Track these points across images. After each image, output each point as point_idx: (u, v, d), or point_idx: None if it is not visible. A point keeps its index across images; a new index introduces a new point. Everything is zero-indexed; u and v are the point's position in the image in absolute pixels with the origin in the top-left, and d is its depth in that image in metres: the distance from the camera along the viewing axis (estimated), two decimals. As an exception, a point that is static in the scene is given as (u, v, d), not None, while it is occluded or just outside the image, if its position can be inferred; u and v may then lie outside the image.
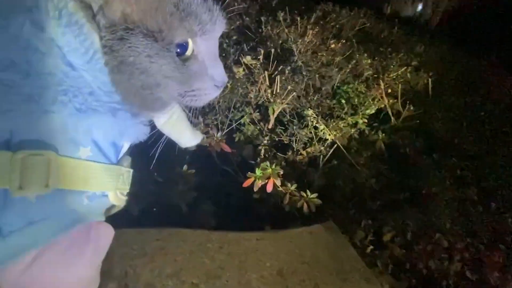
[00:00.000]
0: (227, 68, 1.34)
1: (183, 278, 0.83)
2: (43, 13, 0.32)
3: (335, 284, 0.96)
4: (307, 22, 1.72)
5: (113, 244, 0.47)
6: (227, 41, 1.46)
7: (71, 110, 0.35)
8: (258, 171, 1.02)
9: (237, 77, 1.30)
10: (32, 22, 0.31)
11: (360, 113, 1.47)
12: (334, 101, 1.53)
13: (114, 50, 0.34)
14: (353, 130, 1.44)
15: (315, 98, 1.46)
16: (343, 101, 1.52)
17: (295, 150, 1.37)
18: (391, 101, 1.53)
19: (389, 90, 1.54)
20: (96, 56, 0.35)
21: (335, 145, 1.41)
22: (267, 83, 1.32)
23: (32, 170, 0.33)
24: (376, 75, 1.62)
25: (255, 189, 1.02)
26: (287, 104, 1.34)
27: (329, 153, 1.41)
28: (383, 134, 1.47)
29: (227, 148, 1.13)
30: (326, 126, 1.37)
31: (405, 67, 1.68)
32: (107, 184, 0.42)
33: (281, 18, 1.62)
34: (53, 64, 0.33)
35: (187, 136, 0.54)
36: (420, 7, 3.51)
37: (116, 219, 0.49)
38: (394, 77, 1.62)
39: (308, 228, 1.16)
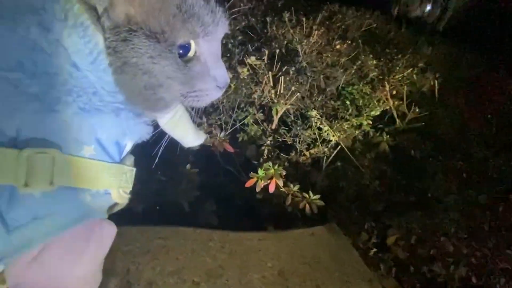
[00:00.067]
0: (232, 68, 1.34)
1: (185, 277, 0.84)
2: (50, 15, 0.33)
3: (336, 286, 0.96)
4: (313, 23, 1.71)
5: (116, 241, 0.48)
6: (232, 41, 1.46)
7: (75, 110, 0.35)
8: (260, 172, 1.03)
9: (241, 77, 1.31)
10: (39, 23, 0.32)
11: (365, 114, 1.46)
12: (339, 102, 1.52)
13: (118, 51, 0.35)
14: (357, 132, 1.44)
15: (319, 99, 1.45)
16: (348, 102, 1.51)
17: (298, 151, 1.37)
18: (396, 102, 1.52)
19: (394, 92, 1.53)
20: (100, 57, 0.36)
21: (339, 147, 1.40)
22: (271, 83, 1.32)
23: (37, 168, 0.34)
24: (381, 77, 1.61)
25: (257, 190, 1.02)
26: (291, 104, 1.34)
27: (333, 154, 1.40)
28: (388, 136, 1.46)
29: (230, 148, 1.14)
30: (330, 127, 1.36)
31: (411, 69, 1.66)
32: (109, 183, 0.43)
33: (286, 19, 1.62)
34: (59, 64, 0.34)
35: (190, 136, 0.54)
36: (428, 7, 3.45)
37: (120, 216, 0.50)
38: (400, 78, 1.60)
39: (310, 229, 1.16)
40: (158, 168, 1.07)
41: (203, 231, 0.99)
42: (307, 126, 1.41)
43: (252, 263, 0.95)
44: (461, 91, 2.00)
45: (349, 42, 1.71)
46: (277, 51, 1.41)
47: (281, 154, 1.34)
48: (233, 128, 1.30)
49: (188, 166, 1.16)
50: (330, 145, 1.39)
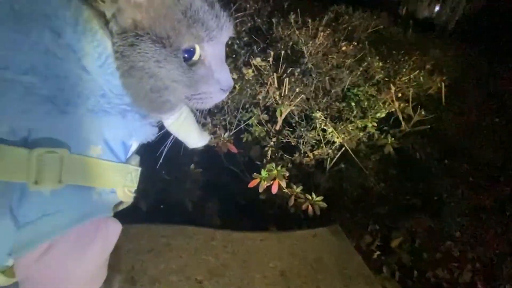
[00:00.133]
0: (237, 69, 1.35)
1: (188, 274, 0.85)
2: (61, 21, 0.34)
3: (337, 288, 0.96)
4: (319, 24, 1.71)
5: (121, 238, 0.49)
6: (237, 42, 1.47)
7: (84, 111, 0.37)
8: (263, 172, 1.03)
9: (246, 78, 1.32)
10: (51, 29, 0.34)
11: (370, 116, 1.45)
12: (344, 104, 1.52)
13: (125, 56, 0.36)
14: (362, 134, 1.43)
15: (324, 101, 1.45)
16: (353, 104, 1.50)
17: (302, 152, 1.37)
18: (402, 105, 1.50)
19: (400, 94, 1.52)
20: (108, 61, 0.37)
21: (343, 148, 1.39)
22: (276, 85, 1.32)
23: (47, 167, 0.36)
24: (387, 79, 1.60)
25: (260, 190, 1.03)
26: (296, 106, 1.34)
27: (337, 156, 1.40)
28: (392, 139, 1.45)
29: (233, 149, 1.15)
30: (334, 128, 1.36)
31: (418, 71, 1.65)
32: (115, 182, 0.44)
33: (292, 20, 1.62)
34: (69, 68, 0.35)
35: (194, 137, 0.55)
36: (437, 7, 3.39)
37: (125, 215, 0.51)
38: (406, 80, 1.59)
39: (313, 231, 1.16)
40: (162, 168, 1.09)
41: (206, 230, 1.01)
42: (311, 127, 1.41)
43: (254, 262, 0.95)
44: (469, 94, 1.97)
45: (355, 43, 1.70)
46: (282, 52, 1.42)
47: (285, 155, 1.34)
48: (237, 129, 1.30)
49: (192, 166, 1.17)
50: (334, 146, 1.39)
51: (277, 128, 1.37)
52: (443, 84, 1.69)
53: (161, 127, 0.49)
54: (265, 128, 1.36)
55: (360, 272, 1.04)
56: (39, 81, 0.33)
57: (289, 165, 1.32)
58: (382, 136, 1.47)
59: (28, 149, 0.34)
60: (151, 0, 0.36)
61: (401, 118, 1.51)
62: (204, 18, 0.38)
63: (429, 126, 1.48)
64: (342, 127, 1.39)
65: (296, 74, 1.41)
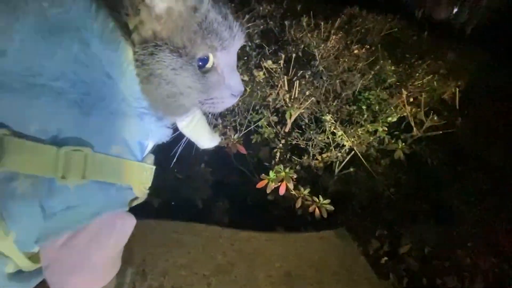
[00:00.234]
0: (248, 71, 1.38)
1: (195, 270, 0.88)
2: (89, 32, 0.38)
3: (342, 291, 0.96)
4: (331, 27, 1.71)
5: (134, 232, 0.53)
6: (249, 44, 1.50)
7: (107, 114, 0.40)
8: (271, 174, 1.05)
9: (257, 80, 1.34)
10: (80, 39, 0.37)
11: (381, 120, 1.44)
12: (354, 107, 1.51)
13: (145, 64, 0.40)
14: (372, 138, 1.42)
15: (334, 104, 1.45)
16: (364, 107, 1.50)
17: (311, 154, 1.38)
18: (414, 110, 1.48)
19: (411, 99, 1.49)
20: (129, 68, 0.40)
21: (353, 152, 1.39)
22: (286, 87, 1.34)
23: (72, 163, 0.39)
24: (399, 83, 1.58)
25: (268, 191, 1.05)
26: (305, 108, 1.35)
27: (346, 159, 1.40)
28: (403, 144, 1.43)
29: (242, 150, 1.17)
30: (344, 132, 1.36)
31: (432, 75, 1.62)
32: (132, 179, 0.47)
33: (304, 23, 1.63)
34: (94, 75, 0.39)
35: (205, 138, 0.59)
36: (455, 10, 3.29)
37: (138, 210, 0.54)
38: (419, 85, 1.57)
39: (319, 233, 1.17)
40: (175, 167, 1.13)
41: (214, 228, 1.03)
42: (321, 130, 1.41)
43: (260, 262, 0.97)
44: (484, 100, 1.91)
45: (368, 46, 1.69)
46: (294, 55, 1.43)
47: (294, 157, 1.36)
48: (247, 130, 1.33)
49: (202, 165, 1.20)
50: (343, 150, 1.39)
51: (287, 130, 1.39)
52: (457, 89, 1.65)
53: (175, 129, 0.52)
54: (275, 130, 1.37)
55: (366, 277, 1.04)
56: (68, 86, 0.37)
57: (298, 167, 1.33)
58: (393, 141, 1.46)
59: (56, 147, 0.38)
60: (170, 13, 0.39)
61: (412, 123, 1.49)
62: (218, 29, 0.41)
63: (441, 131, 1.45)
64: (352, 130, 1.38)
65: (307, 76, 1.42)
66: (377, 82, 1.61)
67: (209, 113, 0.55)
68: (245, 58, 1.45)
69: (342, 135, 1.36)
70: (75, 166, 0.39)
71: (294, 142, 1.37)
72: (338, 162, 1.40)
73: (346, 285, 0.99)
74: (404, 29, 2.32)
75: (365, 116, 1.45)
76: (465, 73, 1.86)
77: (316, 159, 1.39)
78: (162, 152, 0.56)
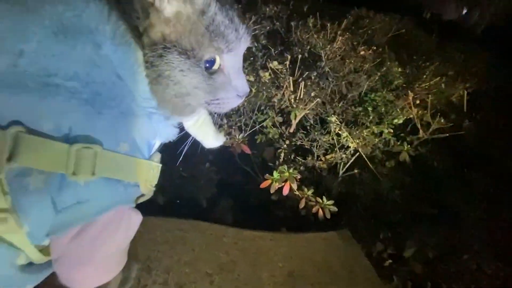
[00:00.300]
0: (254, 72, 1.38)
1: (199, 267, 0.90)
2: (102, 34, 0.39)
3: (344, 292, 0.96)
4: (338, 28, 1.71)
5: (139, 229, 0.54)
6: (256, 44, 1.50)
7: (117, 113, 0.42)
8: (275, 174, 1.06)
9: (263, 81, 1.34)
10: (93, 41, 0.39)
11: (386, 122, 1.43)
12: (360, 109, 1.51)
13: (154, 65, 0.41)
14: (377, 140, 1.41)
15: (339, 105, 1.45)
16: (370, 109, 1.49)
17: (315, 155, 1.38)
18: (420, 112, 1.47)
19: (417, 101, 1.48)
20: (139, 70, 0.42)
21: (357, 154, 1.39)
22: (291, 88, 1.34)
23: (83, 160, 0.41)
24: (406, 84, 1.57)
25: (272, 191, 1.05)
26: (311, 109, 1.35)
27: (351, 161, 1.39)
28: (409, 146, 1.42)
29: (247, 150, 1.18)
30: (349, 133, 1.36)
31: (440, 77, 1.60)
32: (139, 176, 0.49)
33: (310, 24, 1.63)
34: (106, 75, 0.40)
35: (210, 138, 0.60)
36: (465, 11, 3.24)
37: (144, 207, 0.56)
38: (426, 87, 1.55)
39: (322, 234, 1.17)
40: (180, 166, 1.15)
41: (218, 226, 1.04)
42: (326, 131, 1.41)
43: (263, 261, 0.98)
44: (492, 102, 1.88)
45: (375, 48, 1.68)
46: (300, 56, 1.43)
47: (298, 157, 1.36)
48: (252, 130, 1.34)
49: (207, 165, 1.22)
50: (348, 151, 1.38)
51: (291, 130, 1.39)
52: (465, 91, 1.63)
53: (181, 128, 0.53)
54: (279, 131, 1.38)
55: (368, 278, 1.04)
56: (81, 86, 0.38)
57: (302, 168, 1.33)
58: (399, 143, 1.45)
59: (68, 144, 0.40)
60: (178, 17, 0.40)
61: (419, 125, 1.47)
62: (225, 31, 0.42)
63: (447, 134, 1.44)
64: (357, 132, 1.38)
65: (313, 77, 1.42)
66: (383, 84, 1.60)
67: (215, 113, 0.56)
68: (251, 58, 1.46)
69: (347, 136, 1.36)
70: (86, 163, 0.41)
71: (298, 143, 1.38)
72: (342, 163, 1.40)
73: (349, 286, 0.99)
74: (412, 30, 2.29)
75: (371, 117, 1.45)
76: (473, 75, 1.83)
77: (321, 160, 1.39)
78: (168, 151, 0.58)
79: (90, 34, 0.38)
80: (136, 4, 0.39)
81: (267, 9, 1.80)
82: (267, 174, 1.08)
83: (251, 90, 1.27)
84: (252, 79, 1.32)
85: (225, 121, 1.23)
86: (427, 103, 1.45)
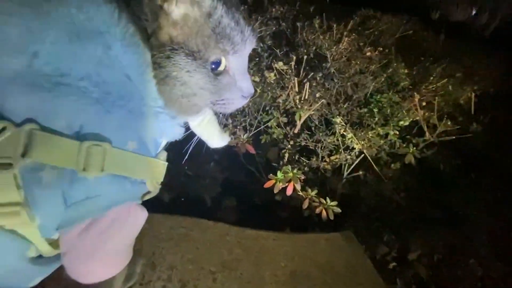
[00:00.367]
0: (260, 72, 1.39)
1: (202, 265, 0.91)
2: (112, 36, 0.41)
3: (346, 293, 0.96)
4: (344, 29, 1.70)
5: (145, 225, 0.55)
6: (261, 45, 1.51)
7: (125, 112, 0.43)
8: (279, 174, 1.06)
9: (268, 81, 1.35)
10: (103, 43, 0.40)
11: (392, 124, 1.42)
12: (365, 110, 1.50)
13: (162, 66, 0.42)
14: (382, 141, 1.41)
15: (345, 106, 1.45)
16: (375, 110, 1.48)
17: (320, 156, 1.38)
18: (427, 114, 1.46)
19: (424, 103, 1.47)
20: (147, 70, 0.43)
21: (362, 155, 1.38)
22: (296, 89, 1.35)
23: (92, 157, 0.42)
24: (412, 86, 1.55)
25: (275, 191, 1.06)
26: (316, 110, 1.35)
27: (355, 162, 1.39)
28: (414, 148, 1.41)
29: (251, 149, 1.19)
30: (354, 135, 1.35)
31: (447, 79, 1.58)
32: (146, 174, 0.50)
33: (316, 25, 1.63)
34: (115, 76, 0.42)
35: (215, 138, 0.61)
36: (474, 11, 3.18)
37: (149, 204, 0.57)
38: (433, 88, 1.54)
39: (325, 235, 1.17)
40: (186, 164, 1.16)
41: (222, 225, 1.05)
42: (331, 132, 1.41)
43: (266, 260, 0.99)
44: (501, 105, 1.85)
45: (381, 49, 1.67)
46: (305, 56, 1.44)
47: (302, 158, 1.36)
48: (257, 130, 1.34)
49: (212, 164, 1.23)
50: (353, 153, 1.38)
51: (296, 131, 1.39)
52: (473, 94, 1.61)
53: (187, 128, 0.54)
54: (284, 131, 1.38)
55: (371, 280, 1.04)
56: (92, 86, 0.40)
57: (306, 168, 1.33)
58: (404, 145, 1.44)
59: (79, 141, 0.41)
60: (186, 19, 0.42)
61: (425, 127, 1.46)
62: (231, 34, 0.43)
63: (454, 137, 1.42)
64: (362, 133, 1.37)
65: (318, 78, 1.42)
66: (389, 85, 1.59)
67: (220, 113, 0.57)
68: (257, 59, 1.47)
69: (352, 137, 1.35)
70: (95, 160, 0.42)
71: (303, 144, 1.38)
72: (347, 164, 1.40)
73: (351, 286, 0.99)
74: (420, 31, 2.27)
75: (376, 119, 1.44)
76: (482, 77, 1.80)
77: (325, 161, 1.38)
78: (174, 150, 0.59)
79: (101, 36, 0.40)
80: (145, 7, 0.41)
81: (273, 10, 1.80)
82: (271, 174, 1.08)
83: (256, 91, 1.28)
84: (257, 79, 1.33)
85: (230, 121, 1.24)
86: (434, 105, 1.44)
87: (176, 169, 1.16)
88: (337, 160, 1.38)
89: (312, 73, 1.40)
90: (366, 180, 1.44)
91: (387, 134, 1.42)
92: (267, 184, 1.06)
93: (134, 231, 0.54)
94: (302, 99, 1.33)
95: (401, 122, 1.46)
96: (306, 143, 1.38)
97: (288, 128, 1.40)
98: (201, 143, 0.60)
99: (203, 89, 0.45)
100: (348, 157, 1.37)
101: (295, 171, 1.08)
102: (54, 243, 0.48)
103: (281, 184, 1.05)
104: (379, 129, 1.40)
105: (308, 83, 1.33)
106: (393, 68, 1.59)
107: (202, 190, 1.21)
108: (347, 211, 1.31)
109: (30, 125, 0.38)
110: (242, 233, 1.05)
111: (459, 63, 1.95)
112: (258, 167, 1.34)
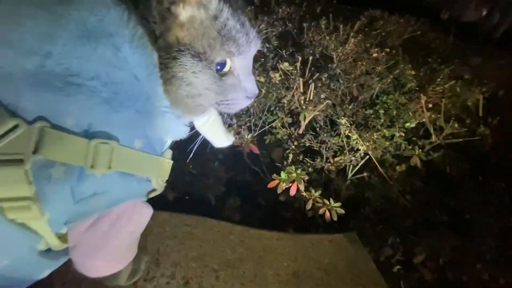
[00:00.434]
0: (265, 73, 1.40)
1: (206, 263, 0.92)
2: (121, 37, 0.42)
3: (349, 295, 0.96)
4: (350, 30, 1.69)
5: (150, 223, 0.57)
6: (267, 45, 1.51)
7: (132, 111, 0.45)
8: (283, 174, 1.07)
9: (273, 82, 1.35)
10: (113, 44, 0.42)
11: (398, 126, 1.41)
12: (371, 111, 1.49)
13: (168, 67, 0.44)
14: (388, 143, 1.40)
15: (350, 107, 1.44)
16: (381, 112, 1.47)
17: (324, 157, 1.38)
18: (433, 116, 1.44)
19: (430, 105, 1.45)
20: (154, 71, 0.44)
21: (367, 157, 1.37)
22: (301, 89, 1.35)
23: (100, 155, 0.43)
24: (417, 88, 1.54)
25: (279, 191, 1.06)
26: (320, 111, 1.35)
27: (360, 164, 1.38)
28: (420, 150, 1.39)
29: (255, 149, 1.19)
30: (359, 136, 1.34)
31: (455, 80, 1.56)
32: (151, 172, 0.51)
33: (323, 26, 1.63)
34: (123, 76, 0.43)
35: (220, 138, 0.62)
36: (485, 12, 3.12)
37: (155, 202, 0.58)
38: (440, 90, 1.52)
39: (329, 236, 1.17)
40: (190, 163, 1.18)
41: (226, 224, 1.06)
42: (336, 133, 1.41)
43: (269, 260, 0.99)
44: (509, 107, 1.81)
45: (388, 50, 1.66)
46: (311, 57, 1.43)
47: (306, 159, 1.36)
48: (261, 130, 1.35)
49: (216, 163, 1.24)
50: (358, 154, 1.37)
51: (300, 132, 1.39)
52: (481, 96, 1.58)
53: (192, 127, 0.56)
54: (288, 131, 1.39)
55: (374, 282, 1.04)
56: (101, 86, 0.41)
57: (310, 169, 1.33)
58: (410, 147, 1.42)
59: (88, 139, 0.43)
60: (192, 21, 0.43)
61: (431, 129, 1.44)
62: (236, 36, 0.44)
63: (461, 139, 1.40)
64: (367, 135, 1.37)
65: (323, 79, 1.42)
66: (396, 86, 1.57)
67: (225, 113, 0.58)
68: (262, 59, 1.48)
69: (357, 139, 1.34)
70: (103, 157, 0.44)
71: (307, 144, 1.38)
72: (352, 166, 1.39)
73: (354, 288, 0.99)
74: (428, 31, 2.24)
75: (382, 120, 1.43)
76: (491, 79, 1.77)
77: (329, 162, 1.38)
78: (179, 149, 0.60)
79: (110, 38, 0.41)
80: (153, 10, 0.42)
81: (280, 10, 1.81)
82: (274, 174, 1.09)
83: (261, 91, 1.29)
84: (262, 80, 1.33)
85: (234, 121, 1.25)
86: (441, 107, 1.42)
87: (181, 168, 1.17)
88: (341, 161, 1.37)
89: (318, 73, 1.40)
90: (371, 182, 1.43)
91: (392, 136, 1.41)
92: (271, 184, 1.07)
93: (139, 227, 0.56)
94: (307, 99, 1.33)
95: (407, 124, 1.44)
96: (311, 143, 1.38)
97: (292, 128, 1.40)
98: (205, 143, 0.61)
99: (208, 90, 0.46)
100: (353, 158, 1.36)
101: (298, 171, 1.08)
102: (62, 237, 0.50)
103: (284, 184, 1.05)
104: (384, 130, 1.38)
105: (313, 83, 1.33)
106: (400, 69, 1.57)
107: (206, 189, 1.22)
108: (352, 213, 1.30)
109: (41, 123, 0.40)
110: (245, 232, 1.06)
111: (468, 64, 1.91)
112: (262, 167, 1.35)
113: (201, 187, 1.22)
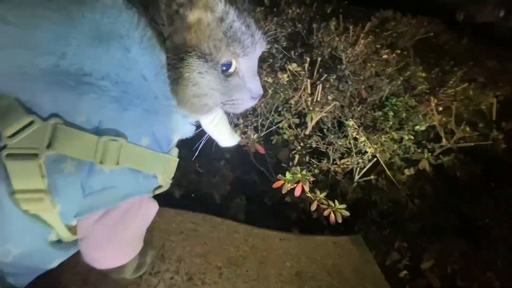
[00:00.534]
0: (273, 73, 1.40)
1: (210, 260, 0.93)
2: (131, 39, 0.44)
3: (352, 297, 0.96)
4: (361, 31, 1.68)
5: (156, 219, 0.59)
6: (276, 46, 1.52)
7: (140, 110, 0.46)
8: (288, 175, 1.07)
9: (281, 82, 1.36)
10: (123, 46, 0.43)
11: (407, 128, 1.39)
12: (380, 113, 1.47)
13: (175, 67, 0.45)
14: (396, 146, 1.37)
15: (358, 109, 1.43)
16: (390, 114, 1.45)
17: (331, 159, 1.37)
18: (444, 119, 1.41)
19: (441, 108, 1.42)
20: (162, 71, 0.46)
21: (375, 159, 1.36)
22: (309, 91, 1.35)
23: (109, 151, 0.45)
24: (429, 90, 1.51)
25: (284, 192, 1.07)
26: (329, 112, 1.35)
27: (367, 166, 1.37)
28: (430, 154, 1.37)
29: (261, 149, 1.20)
30: (367, 138, 1.33)
31: (468, 83, 1.52)
32: (158, 168, 0.53)
33: (332, 27, 1.62)
34: (132, 76, 0.45)
35: (226, 137, 0.63)
36: (502, 13, 3.02)
37: (161, 198, 0.60)
38: (452, 93, 1.48)
39: (334, 238, 1.16)
40: (196, 161, 1.20)
41: (231, 222, 1.08)
42: (343, 135, 1.40)
43: (272, 259, 1.00)
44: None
45: (399, 51, 1.63)
46: (319, 58, 1.43)
47: (313, 160, 1.36)
48: (268, 130, 1.36)
49: (222, 162, 1.25)
50: (365, 156, 1.36)
51: (307, 133, 1.39)
52: (495, 99, 1.54)
53: (198, 126, 0.57)
54: (295, 132, 1.39)
55: (379, 287, 1.03)
56: (111, 85, 0.43)
57: (316, 171, 1.33)
58: (419, 150, 1.40)
59: (97, 136, 0.44)
60: (199, 23, 0.44)
61: (442, 133, 1.41)
62: (241, 37, 0.45)
63: (473, 143, 1.37)
64: (375, 137, 1.35)
65: (331, 80, 1.41)
66: (406, 89, 1.55)
67: (231, 113, 0.59)
68: (271, 60, 1.48)
69: (365, 141, 1.33)
70: (112, 153, 0.45)
71: (314, 145, 1.37)
72: (359, 168, 1.38)
73: (357, 292, 0.98)
74: (442, 33, 2.18)
75: (391, 123, 1.41)
76: (506, 82, 1.71)
77: (336, 164, 1.37)
78: (185, 147, 0.62)
79: (121, 39, 0.43)
80: (162, 12, 0.43)
81: (290, 11, 1.81)
82: (279, 175, 1.09)
83: (268, 91, 1.29)
84: (270, 80, 1.33)
85: (241, 120, 1.26)
86: (452, 110, 1.39)
87: (187, 166, 1.19)
88: (348, 163, 1.36)
89: (326, 75, 1.39)
90: (378, 185, 1.42)
91: (401, 139, 1.38)
92: (276, 184, 1.07)
93: (146, 222, 0.58)
94: (314, 100, 1.33)
95: (417, 127, 1.42)
96: (317, 145, 1.37)
97: (299, 129, 1.40)
98: (211, 141, 0.62)
99: (213, 90, 0.48)
100: (360, 160, 1.35)
101: (304, 172, 1.08)
102: (72, 229, 0.52)
103: (289, 184, 1.06)
104: (393, 133, 1.37)
105: (321, 84, 1.33)
106: (410, 71, 1.55)
107: (212, 187, 1.23)
108: (358, 216, 1.29)
109: (55, 120, 0.42)
110: (249, 231, 1.07)
111: (482, 67, 1.86)
112: (268, 167, 1.35)
113: (207, 185, 1.24)
